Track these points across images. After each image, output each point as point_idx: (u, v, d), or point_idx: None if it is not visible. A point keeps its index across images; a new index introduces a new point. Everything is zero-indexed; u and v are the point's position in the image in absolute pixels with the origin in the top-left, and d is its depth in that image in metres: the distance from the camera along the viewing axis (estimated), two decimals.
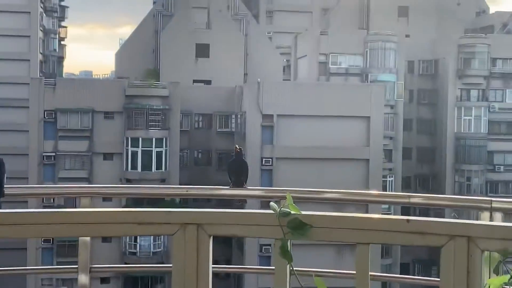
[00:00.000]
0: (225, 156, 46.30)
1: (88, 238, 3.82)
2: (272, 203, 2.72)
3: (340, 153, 41.78)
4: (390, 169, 47.63)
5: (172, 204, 40.16)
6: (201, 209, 2.81)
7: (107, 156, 42.32)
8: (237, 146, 4.41)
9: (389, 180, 47.12)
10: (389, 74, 49.67)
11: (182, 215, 2.74)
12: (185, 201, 43.82)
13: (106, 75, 78.83)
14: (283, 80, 51.89)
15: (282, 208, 2.61)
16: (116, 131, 41.88)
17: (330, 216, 2.62)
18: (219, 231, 2.73)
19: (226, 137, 46.49)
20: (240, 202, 4.32)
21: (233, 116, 46.52)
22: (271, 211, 2.65)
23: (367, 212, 39.95)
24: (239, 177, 4.22)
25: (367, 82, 48.75)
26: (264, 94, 41.44)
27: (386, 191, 44.06)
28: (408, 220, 2.48)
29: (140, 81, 45.51)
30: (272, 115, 41.71)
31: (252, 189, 4.11)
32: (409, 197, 3.33)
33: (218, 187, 4.17)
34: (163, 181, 41.38)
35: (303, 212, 2.65)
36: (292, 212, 2.64)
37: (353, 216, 2.59)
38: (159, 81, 45.52)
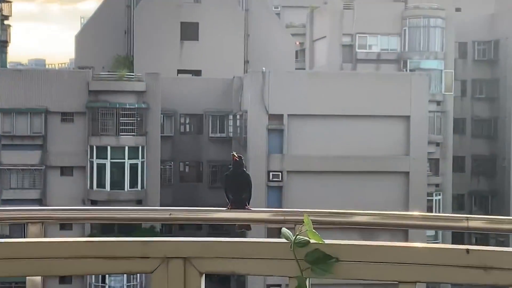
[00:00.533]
0: (220, 169, 46.49)
1: (38, 278, 3.77)
2: (284, 230, 2.69)
3: (370, 165, 41.96)
4: (437, 185, 47.78)
5: (151, 232, 40.37)
6: (190, 238, 2.78)
7: (66, 170, 42.55)
8: (234, 153, 4.37)
9: (435, 199, 47.35)
10: (434, 60, 49.97)
11: (164, 246, 2.72)
12: (169, 229, 44.05)
13: (63, 65, 79.31)
14: (296, 69, 51.91)
15: (298, 236, 2.58)
16: (77, 138, 42.14)
17: (363, 246, 2.59)
18: (213, 267, 2.72)
19: (221, 144, 46.77)
20: (242, 229, 4.20)
21: (231, 117, 46.81)
22: (284, 240, 2.65)
23: (406, 240, 40.10)
24: (239, 195, 4.19)
25: (406, 70, 49.03)
26: (271, 88, 41.71)
27: (431, 212, 43.96)
28: (467, 251, 2.46)
29: (108, 72, 45.88)
30: (281, 115, 41.97)
31: (258, 211, 4.07)
32: (467, 219, 3.28)
33: (211, 208, 4.13)
34: (139, 202, 41.79)
35: (326, 241, 2.61)
36: (312, 240, 2.63)
37: (393, 246, 2.56)
38: (132, 72, 45.76)
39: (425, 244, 2.67)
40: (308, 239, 2.64)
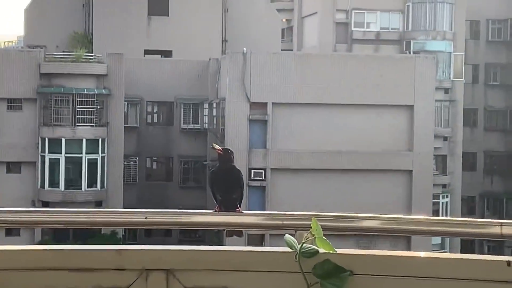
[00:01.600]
0: (193, 165, 46.49)
1: None
2: (288, 236, 2.61)
3: (368, 162, 41.92)
4: (444, 185, 47.70)
5: (111, 239, 40.20)
6: (173, 246, 2.68)
7: (13, 166, 42.41)
8: (215, 145, 4.21)
9: (442, 202, 47.25)
10: (442, 41, 49.87)
11: (142, 255, 2.63)
12: (132, 236, 43.85)
13: (10, 44, 78.79)
14: (282, 50, 51.21)
15: (304, 244, 2.49)
16: (26, 128, 41.94)
17: (382, 257, 2.50)
18: (201, 281, 2.65)
19: (194, 137, 46.58)
20: (232, 235, 4.06)
21: (206, 106, 46.59)
22: (287, 249, 2.57)
23: (409, 248, 40.05)
24: (229, 194, 4.11)
25: (409, 53, 48.90)
26: (253, 72, 41.59)
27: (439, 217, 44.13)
28: (509, 263, 2.37)
29: (63, 52, 45.36)
30: (265, 104, 41.86)
31: (251, 215, 3.98)
32: (501, 225, 3.20)
33: (195, 211, 3.99)
34: (98, 204, 41.68)
35: (338, 251, 2.52)
36: (321, 250, 2.53)
37: (417, 257, 2.47)
38: (91, 52, 45.56)
39: (456, 254, 2.59)
40: (316, 248, 2.57)
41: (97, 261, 2.66)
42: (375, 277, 2.56)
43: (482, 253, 51.10)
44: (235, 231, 4.06)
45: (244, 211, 3.97)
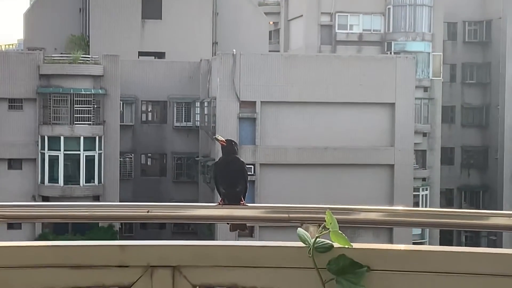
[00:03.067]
0: (186, 161, 46.38)
1: None
2: (301, 230, 2.36)
3: (352, 157, 42.00)
4: (423, 179, 47.73)
5: (108, 232, 39.94)
6: (180, 242, 2.42)
7: (14, 163, 42.13)
8: (218, 136, 3.98)
9: (422, 195, 47.20)
10: (421, 42, 49.95)
11: (146, 251, 2.39)
12: (129, 228, 43.62)
13: (11, 46, 78.40)
14: (269, 51, 51.41)
15: (318, 238, 2.23)
16: (27, 127, 41.70)
17: (402, 252, 2.27)
18: (209, 278, 2.46)
19: (187, 134, 46.40)
20: (236, 229, 3.80)
21: (197, 105, 46.55)
22: (300, 244, 2.37)
23: (391, 239, 39.86)
24: (232, 187, 3.82)
25: (390, 53, 48.99)
26: (242, 72, 41.62)
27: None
28: None
29: (61, 54, 45.32)
30: (254, 103, 41.85)
31: (255, 208, 3.71)
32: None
33: (198, 204, 3.78)
34: (96, 198, 41.61)
35: (355, 245, 2.26)
36: (336, 244, 2.34)
37: (444, 252, 2.23)
38: (88, 54, 45.35)
39: (477, 249, 2.33)
40: (331, 242, 2.35)
41: (99, 258, 2.45)
42: (393, 272, 2.31)
43: (460, 244, 51.01)
44: (239, 225, 3.78)
45: (249, 204, 3.70)
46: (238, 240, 2.69)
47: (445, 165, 50.90)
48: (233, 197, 3.79)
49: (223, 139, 3.93)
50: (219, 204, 3.79)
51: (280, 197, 39.11)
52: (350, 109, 41.90)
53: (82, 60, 42.68)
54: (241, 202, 3.76)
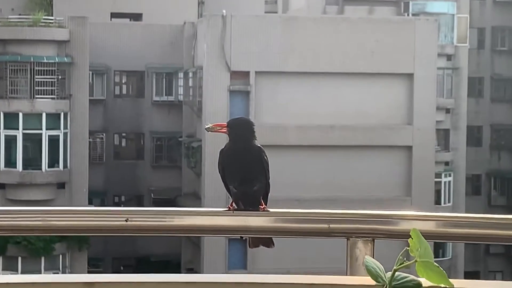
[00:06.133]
0: (167, 142, 45.62)
1: None
2: (369, 259, 1.88)
3: (362, 137, 41.07)
4: (446, 163, 46.56)
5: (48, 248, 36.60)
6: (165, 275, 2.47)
7: None
8: (210, 125, 3.34)
9: (444, 181, 45.58)
10: (444, 1, 47.71)
11: None
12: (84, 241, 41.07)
13: None
14: (266, 12, 50.18)
15: (397, 271, 1.74)
16: None
17: None
18: None
19: (168, 110, 45.50)
20: (257, 245, 3.07)
21: (181, 75, 45.77)
22: (369, 280, 1.85)
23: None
24: (247, 186, 3.12)
25: (408, 15, 47.14)
26: (234, 37, 40.56)
27: (439, 198, 44.00)
28: None
29: (20, 15, 44.13)
30: (247, 73, 40.84)
31: (282, 214, 2.96)
32: None
33: (197, 209, 3.02)
34: (61, 186, 40.58)
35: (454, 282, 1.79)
36: (426, 282, 1.76)
37: None
38: (52, 16, 44.15)
39: None
40: (417, 279, 1.82)
41: None
42: None
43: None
44: (263, 240, 3.06)
45: (272, 210, 3.01)
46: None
47: (471, 147, 49.69)
48: (248, 199, 3.12)
49: (221, 124, 3.22)
50: (229, 209, 3.12)
51: (277, 184, 34.58)
52: (360, 81, 41.17)
53: (44, 22, 41.55)
54: (261, 207, 3.05)
